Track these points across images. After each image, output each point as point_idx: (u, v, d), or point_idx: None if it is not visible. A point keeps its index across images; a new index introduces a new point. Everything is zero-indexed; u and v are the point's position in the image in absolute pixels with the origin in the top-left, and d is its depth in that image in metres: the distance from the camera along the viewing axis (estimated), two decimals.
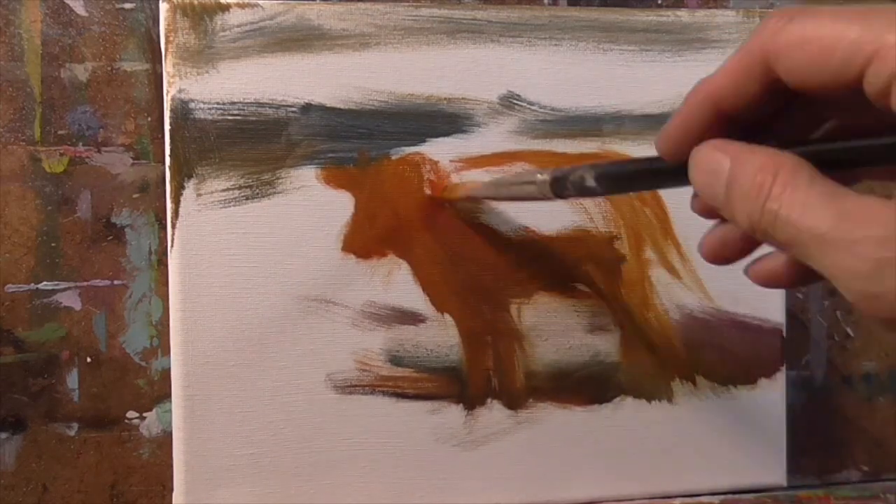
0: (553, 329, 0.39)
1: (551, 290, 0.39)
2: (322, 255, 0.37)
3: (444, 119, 0.38)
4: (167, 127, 0.36)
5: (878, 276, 0.18)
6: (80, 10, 0.38)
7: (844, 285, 0.19)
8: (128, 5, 0.38)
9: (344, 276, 0.37)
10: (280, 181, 0.36)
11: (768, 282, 0.24)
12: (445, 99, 0.38)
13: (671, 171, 0.24)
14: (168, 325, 0.36)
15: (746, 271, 0.25)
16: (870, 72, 0.19)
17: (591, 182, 0.27)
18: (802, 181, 0.20)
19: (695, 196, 0.25)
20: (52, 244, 0.38)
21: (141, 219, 0.38)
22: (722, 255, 0.25)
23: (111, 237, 0.38)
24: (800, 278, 0.24)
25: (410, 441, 0.37)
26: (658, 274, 0.39)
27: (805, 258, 0.20)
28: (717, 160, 0.22)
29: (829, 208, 0.19)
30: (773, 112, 0.23)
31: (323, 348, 0.37)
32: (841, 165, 0.21)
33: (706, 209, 0.24)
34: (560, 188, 0.29)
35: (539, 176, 0.30)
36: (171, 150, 0.36)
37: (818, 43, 0.20)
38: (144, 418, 0.38)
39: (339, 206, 0.37)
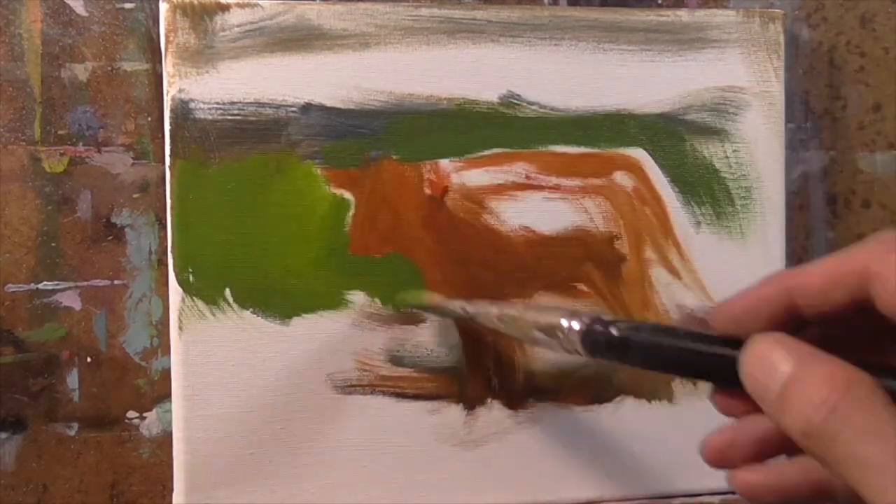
0: None
1: (552, 290, 0.39)
2: (325, 256, 0.37)
3: (444, 119, 0.38)
4: (167, 127, 0.36)
5: None
6: (80, 10, 0.38)
7: None
8: (128, 5, 0.38)
9: (345, 275, 0.37)
10: (280, 180, 0.36)
11: (756, 495, 0.23)
12: (445, 99, 0.38)
13: (720, 354, 0.22)
14: (168, 325, 0.36)
15: (732, 480, 0.23)
16: None
17: (630, 352, 0.24)
18: (877, 404, 0.18)
19: (716, 392, 0.23)
20: (52, 244, 0.38)
21: (141, 219, 0.38)
22: (728, 458, 0.23)
23: (111, 237, 0.38)
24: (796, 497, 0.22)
25: (410, 441, 0.37)
26: (658, 274, 0.39)
27: (855, 484, 0.18)
28: (778, 356, 0.20)
29: None
30: (851, 329, 0.22)
31: (323, 348, 0.37)
32: None
33: (730, 408, 0.23)
34: (593, 347, 0.25)
35: (565, 323, 0.25)
36: (171, 150, 0.36)
37: None
38: (144, 418, 0.38)
39: (340, 206, 0.37)
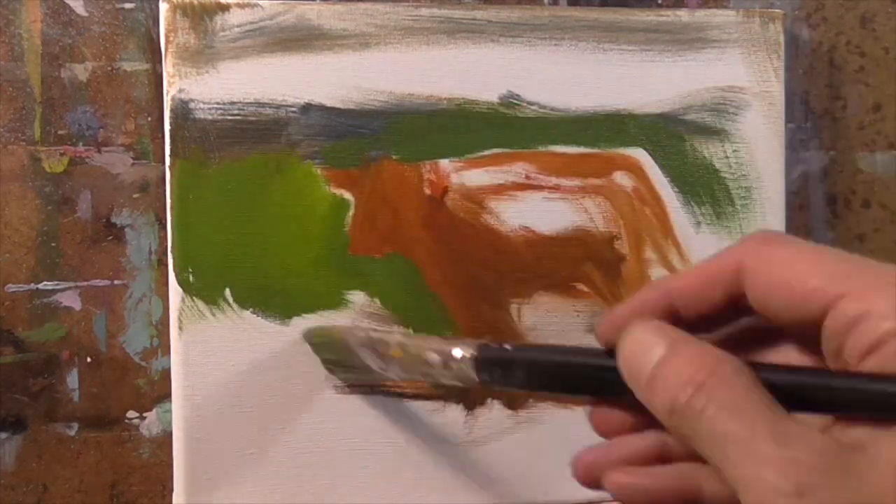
0: (553, 329, 0.39)
1: (551, 290, 0.39)
2: (325, 256, 0.37)
3: (444, 119, 0.38)
4: (167, 127, 0.36)
5: (796, 498, 0.18)
6: (80, 10, 0.38)
7: (755, 496, 0.18)
8: (128, 5, 0.38)
9: (344, 275, 0.37)
10: (280, 180, 0.36)
11: (629, 497, 0.23)
12: (445, 99, 0.38)
13: (604, 365, 0.22)
14: (168, 325, 0.36)
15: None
16: (833, 314, 0.19)
17: (519, 377, 0.24)
18: (740, 384, 0.19)
19: (594, 410, 0.24)
20: (52, 244, 0.38)
21: (141, 219, 0.38)
22: (599, 475, 0.23)
23: (111, 237, 0.38)
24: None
25: (410, 441, 0.37)
26: (658, 274, 0.39)
27: (717, 460, 0.19)
28: (651, 339, 0.21)
29: (763, 420, 0.18)
30: (739, 332, 0.23)
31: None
32: (783, 392, 0.20)
33: (608, 425, 0.23)
34: (489, 374, 0.25)
35: (457, 352, 0.25)
36: (171, 150, 0.36)
37: (787, 270, 0.20)
38: (144, 418, 0.38)
39: (340, 206, 0.37)
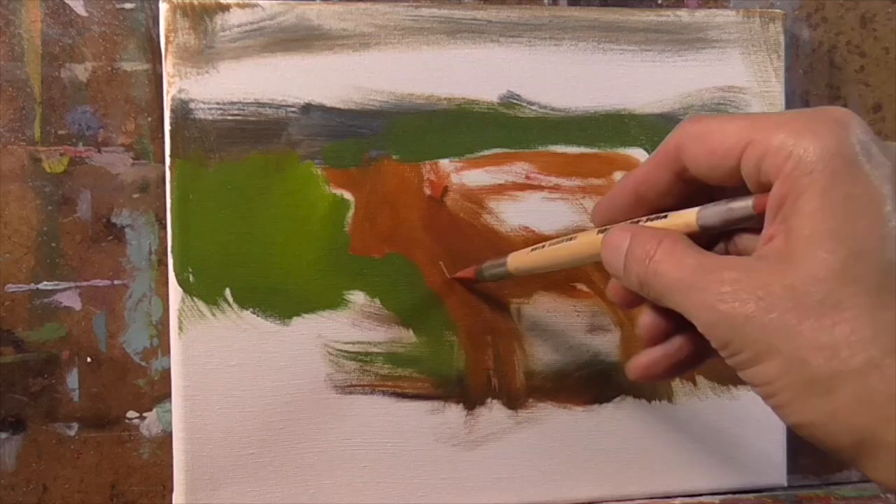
0: (553, 329, 0.39)
1: (551, 290, 0.39)
2: (325, 256, 0.37)
3: (444, 119, 0.38)
4: (167, 127, 0.36)
5: (732, 300, 0.22)
6: (80, 10, 0.38)
7: (698, 317, 0.24)
8: (128, 5, 0.38)
9: (344, 275, 0.37)
10: (280, 180, 0.36)
11: (647, 373, 0.28)
12: (445, 99, 0.38)
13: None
14: (168, 325, 0.36)
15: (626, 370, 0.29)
16: (743, 158, 0.24)
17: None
18: (680, 247, 0.25)
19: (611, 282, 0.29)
20: (52, 244, 0.38)
21: (141, 219, 0.38)
22: (651, 373, 0.28)
23: (111, 237, 0.38)
24: (674, 367, 0.28)
25: (410, 441, 0.37)
26: None
27: (674, 304, 0.24)
28: (620, 238, 0.26)
29: (695, 264, 0.24)
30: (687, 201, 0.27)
31: (323, 348, 0.37)
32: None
33: (620, 295, 0.29)
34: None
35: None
36: (171, 150, 0.36)
37: (712, 137, 0.25)
38: (144, 418, 0.38)
39: (340, 206, 0.37)
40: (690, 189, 0.26)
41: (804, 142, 0.22)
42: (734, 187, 0.25)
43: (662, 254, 0.25)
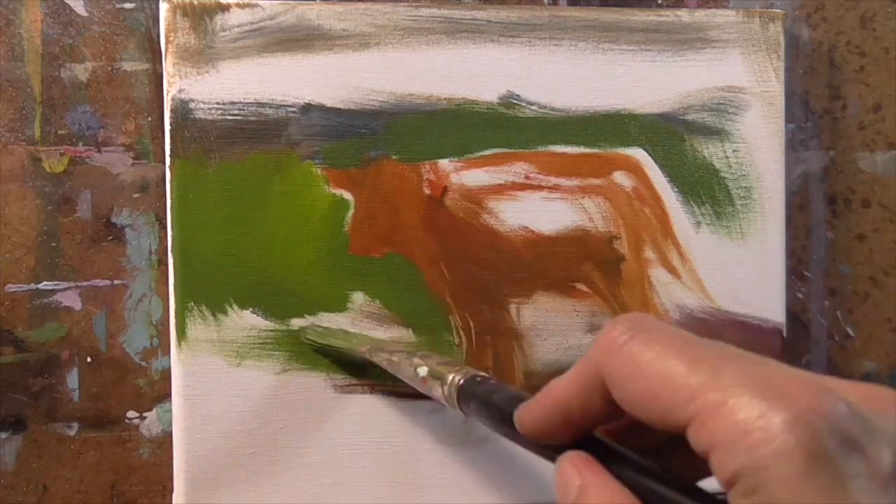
0: (552, 329, 0.39)
1: (551, 290, 0.39)
2: (325, 256, 0.37)
3: (443, 119, 0.38)
4: (167, 127, 0.36)
5: None
6: (80, 10, 0.38)
7: None
8: (128, 5, 0.38)
9: (344, 275, 0.37)
10: (280, 180, 0.36)
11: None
12: (445, 99, 0.38)
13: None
14: (168, 325, 0.36)
15: None
16: (690, 431, 0.19)
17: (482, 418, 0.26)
18: None
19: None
20: (52, 244, 0.38)
21: (141, 219, 0.38)
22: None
23: (111, 237, 0.38)
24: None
25: (410, 441, 0.37)
26: (658, 274, 0.39)
27: None
28: (569, 479, 0.21)
29: None
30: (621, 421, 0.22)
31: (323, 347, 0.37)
32: None
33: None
34: (465, 403, 0.27)
35: (452, 378, 0.28)
36: (171, 150, 0.36)
37: (645, 382, 0.20)
38: (144, 418, 0.38)
39: (340, 206, 0.37)
40: (622, 411, 0.21)
41: (766, 446, 0.17)
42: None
43: None
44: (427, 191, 0.38)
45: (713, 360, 0.19)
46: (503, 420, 0.25)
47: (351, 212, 0.37)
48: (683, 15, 0.40)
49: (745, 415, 0.17)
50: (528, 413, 0.23)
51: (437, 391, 0.29)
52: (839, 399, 0.18)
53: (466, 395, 0.27)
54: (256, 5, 0.36)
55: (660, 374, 0.19)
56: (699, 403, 0.18)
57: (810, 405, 0.17)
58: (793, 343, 0.43)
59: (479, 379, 0.27)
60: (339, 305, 0.37)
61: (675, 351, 0.20)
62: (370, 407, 0.37)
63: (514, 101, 0.38)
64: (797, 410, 0.17)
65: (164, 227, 0.37)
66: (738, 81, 0.40)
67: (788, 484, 0.17)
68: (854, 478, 0.17)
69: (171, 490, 0.37)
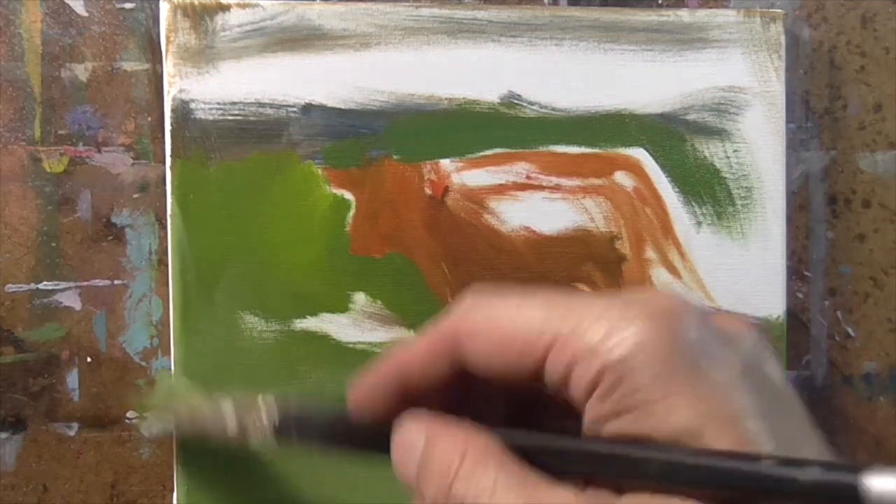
0: None
1: None
2: (326, 256, 0.37)
3: (444, 119, 0.38)
4: (168, 127, 0.36)
5: None
6: (80, 10, 0.38)
7: None
8: (128, 5, 0.38)
9: (345, 275, 0.37)
10: (281, 180, 0.36)
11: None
12: (445, 99, 0.38)
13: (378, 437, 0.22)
14: (168, 325, 0.36)
15: None
16: (548, 363, 0.19)
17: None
18: (491, 464, 0.19)
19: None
20: (52, 244, 0.38)
21: (141, 219, 0.38)
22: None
23: (111, 237, 0.38)
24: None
25: None
26: (659, 274, 0.39)
27: None
28: (412, 437, 0.21)
29: (516, 496, 0.18)
30: (460, 395, 0.22)
31: (324, 348, 0.37)
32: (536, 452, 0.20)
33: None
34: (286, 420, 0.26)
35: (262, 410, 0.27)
36: (172, 150, 0.36)
37: (501, 328, 0.19)
38: (145, 418, 0.38)
39: (341, 206, 0.37)
40: (468, 383, 0.21)
41: (625, 342, 0.18)
42: (527, 385, 0.20)
43: (469, 471, 0.19)
44: (428, 191, 0.38)
45: (569, 300, 0.19)
46: (333, 424, 0.24)
47: (352, 212, 0.37)
48: (684, 15, 0.40)
49: (605, 324, 0.18)
50: (363, 382, 0.23)
51: (250, 421, 0.28)
52: (696, 306, 0.19)
53: (284, 409, 0.26)
54: (257, 5, 0.36)
55: (517, 319, 0.19)
56: (556, 331, 0.19)
57: (671, 307, 0.18)
58: (793, 343, 0.43)
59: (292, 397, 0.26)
60: (341, 306, 0.37)
61: (531, 300, 0.20)
62: None
63: (515, 101, 0.38)
64: (658, 311, 0.18)
65: (165, 227, 0.37)
66: (738, 81, 0.40)
67: (652, 369, 0.17)
68: (712, 368, 0.18)
69: (171, 490, 0.37)
